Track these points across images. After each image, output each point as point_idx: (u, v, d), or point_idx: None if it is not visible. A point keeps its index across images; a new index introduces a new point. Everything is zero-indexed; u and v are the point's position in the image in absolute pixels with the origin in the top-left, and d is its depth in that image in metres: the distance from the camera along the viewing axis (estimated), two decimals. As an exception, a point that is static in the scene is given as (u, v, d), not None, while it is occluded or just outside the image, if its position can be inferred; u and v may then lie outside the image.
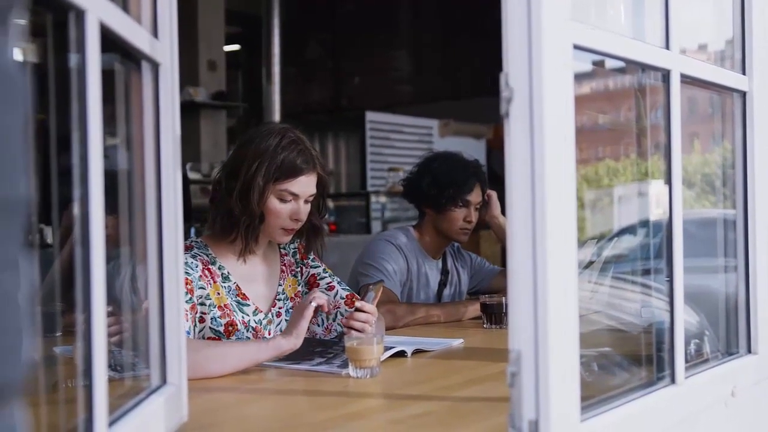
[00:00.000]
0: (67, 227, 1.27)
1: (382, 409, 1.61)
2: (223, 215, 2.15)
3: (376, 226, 7.22)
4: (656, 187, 1.81)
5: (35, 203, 0.59)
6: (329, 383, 1.78)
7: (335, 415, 1.53)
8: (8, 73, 0.55)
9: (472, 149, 6.49)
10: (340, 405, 1.63)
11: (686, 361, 1.51)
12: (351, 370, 1.82)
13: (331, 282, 2.34)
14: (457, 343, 2.30)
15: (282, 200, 2.14)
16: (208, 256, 2.17)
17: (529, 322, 1.14)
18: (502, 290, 2.95)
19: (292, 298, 2.30)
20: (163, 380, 1.34)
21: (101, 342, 1.00)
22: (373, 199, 7.33)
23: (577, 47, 1.22)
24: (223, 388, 1.77)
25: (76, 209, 0.98)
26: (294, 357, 1.96)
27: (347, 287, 2.35)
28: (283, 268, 2.32)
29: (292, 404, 1.65)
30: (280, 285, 2.29)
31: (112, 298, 1.09)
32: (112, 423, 1.07)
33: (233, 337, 2.11)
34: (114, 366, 1.27)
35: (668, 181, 1.49)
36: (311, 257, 2.37)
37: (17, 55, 0.57)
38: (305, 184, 2.15)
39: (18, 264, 0.56)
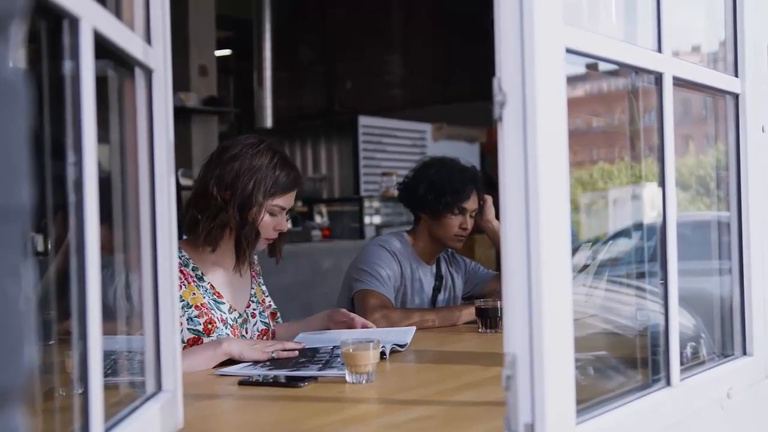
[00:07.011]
0: (60, 235, 1.27)
1: (380, 414, 1.61)
2: (218, 227, 2.19)
3: (369, 231, 7.20)
4: (650, 190, 1.82)
5: (34, 211, 0.60)
6: (325, 389, 1.77)
7: (333, 420, 1.53)
8: (10, 83, 0.55)
9: (466, 153, 6.49)
10: (337, 410, 1.62)
11: (682, 364, 1.52)
12: (347, 376, 1.81)
13: (267, 309, 2.43)
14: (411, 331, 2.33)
15: (271, 214, 2.24)
16: (181, 258, 2.21)
17: (524, 325, 1.14)
18: (497, 294, 2.95)
19: (261, 302, 2.40)
20: (159, 387, 1.34)
21: (97, 350, 1.00)
22: (366, 203, 7.31)
23: (569, 51, 1.22)
24: (218, 395, 1.77)
25: (70, 216, 0.97)
26: (291, 366, 1.96)
27: (267, 322, 2.40)
28: (254, 274, 2.42)
29: (289, 410, 1.64)
30: (252, 288, 2.38)
31: (106, 306, 1.08)
32: (107, 430, 1.06)
33: (213, 335, 2.17)
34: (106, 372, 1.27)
35: (662, 183, 1.50)
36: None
37: (17, 63, 0.58)
38: (293, 199, 2.29)
39: (19, 270, 0.56)
